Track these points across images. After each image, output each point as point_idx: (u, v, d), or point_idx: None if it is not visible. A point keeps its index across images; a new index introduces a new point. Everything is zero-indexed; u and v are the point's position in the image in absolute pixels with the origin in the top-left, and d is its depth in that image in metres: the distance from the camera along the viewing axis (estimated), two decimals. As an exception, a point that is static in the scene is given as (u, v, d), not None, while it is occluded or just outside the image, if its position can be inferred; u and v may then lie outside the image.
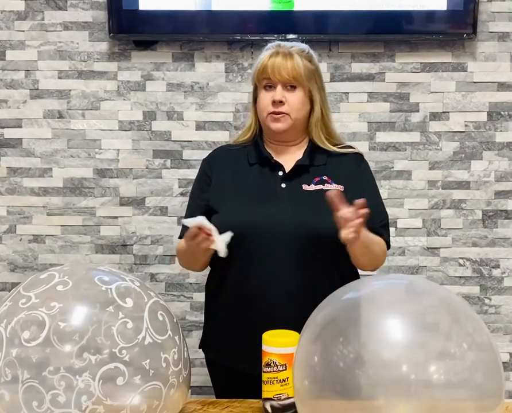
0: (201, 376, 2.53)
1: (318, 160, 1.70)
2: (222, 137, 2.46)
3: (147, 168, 2.50)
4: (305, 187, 1.65)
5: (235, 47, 2.45)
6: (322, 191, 1.61)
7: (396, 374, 0.98)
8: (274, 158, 1.70)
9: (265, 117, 1.67)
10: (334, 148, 1.71)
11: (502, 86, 2.43)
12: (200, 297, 2.51)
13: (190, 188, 2.45)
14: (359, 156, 1.76)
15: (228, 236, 1.48)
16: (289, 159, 1.70)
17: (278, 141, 1.72)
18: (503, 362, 2.49)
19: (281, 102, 1.64)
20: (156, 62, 2.46)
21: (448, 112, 2.45)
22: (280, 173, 1.68)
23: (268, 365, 1.31)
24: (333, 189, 1.62)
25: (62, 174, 2.49)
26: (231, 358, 1.68)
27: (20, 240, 2.52)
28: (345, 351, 1.02)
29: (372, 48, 2.44)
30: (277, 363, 1.29)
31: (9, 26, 2.44)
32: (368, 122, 2.46)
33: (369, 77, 2.45)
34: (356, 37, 2.40)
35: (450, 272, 2.50)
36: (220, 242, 1.47)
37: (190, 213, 1.74)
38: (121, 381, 1.07)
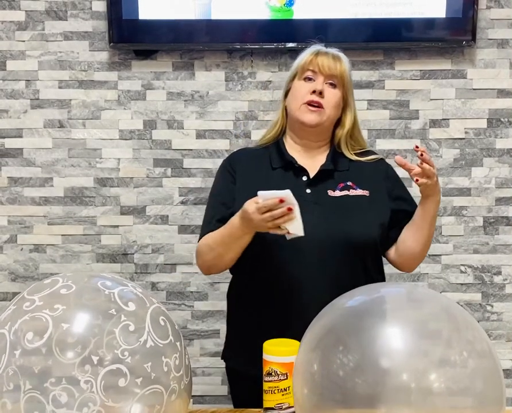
0: (203, 385, 2.52)
1: (341, 165, 1.68)
2: (222, 145, 2.46)
3: (147, 177, 2.50)
4: (330, 193, 1.62)
5: (235, 56, 2.46)
6: (348, 197, 1.61)
7: (397, 383, 0.97)
8: (298, 162, 1.66)
9: (298, 106, 1.63)
10: (356, 157, 1.70)
11: (502, 93, 2.44)
12: (201, 305, 2.51)
13: (190, 196, 2.48)
14: (382, 161, 1.75)
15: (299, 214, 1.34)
16: (312, 163, 1.67)
17: (302, 139, 1.68)
18: (506, 369, 2.49)
19: (320, 94, 1.61)
20: (157, 72, 2.47)
21: (448, 119, 2.45)
22: (305, 178, 1.64)
23: (269, 374, 1.30)
24: (359, 194, 1.63)
25: (63, 184, 2.50)
26: (257, 368, 1.62)
27: (21, 250, 2.52)
28: (344, 360, 1.01)
29: (371, 56, 2.44)
30: (278, 372, 1.28)
31: (9, 36, 2.45)
32: (368, 129, 2.46)
33: (369, 85, 2.45)
34: (356, 45, 2.40)
35: (452, 279, 2.50)
36: (300, 221, 1.32)
37: (215, 212, 1.66)
38: (123, 382, 1.06)
